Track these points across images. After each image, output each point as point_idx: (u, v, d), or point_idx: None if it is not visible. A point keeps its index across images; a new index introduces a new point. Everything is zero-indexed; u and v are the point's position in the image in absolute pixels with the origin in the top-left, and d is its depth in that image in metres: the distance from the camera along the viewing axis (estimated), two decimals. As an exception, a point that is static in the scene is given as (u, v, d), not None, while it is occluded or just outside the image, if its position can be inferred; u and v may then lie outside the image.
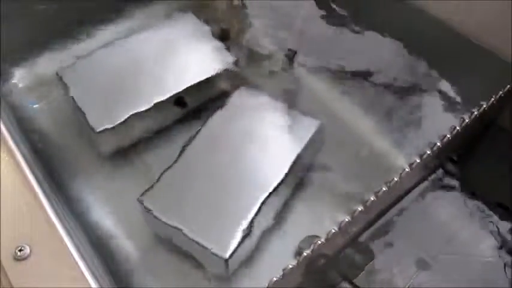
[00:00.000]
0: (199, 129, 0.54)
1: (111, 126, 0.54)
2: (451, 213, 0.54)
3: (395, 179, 0.44)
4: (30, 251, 0.38)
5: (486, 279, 0.50)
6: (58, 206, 0.45)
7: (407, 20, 0.63)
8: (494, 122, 0.56)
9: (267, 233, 0.52)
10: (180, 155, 0.52)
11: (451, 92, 0.61)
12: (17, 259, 0.38)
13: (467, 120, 0.48)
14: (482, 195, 0.55)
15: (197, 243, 0.46)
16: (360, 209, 0.43)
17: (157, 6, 0.74)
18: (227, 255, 0.45)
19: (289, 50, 0.67)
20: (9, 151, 0.45)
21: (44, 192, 0.43)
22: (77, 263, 0.38)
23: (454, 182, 0.57)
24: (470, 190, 0.56)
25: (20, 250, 0.38)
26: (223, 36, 0.66)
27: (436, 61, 0.62)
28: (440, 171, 0.57)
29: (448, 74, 0.62)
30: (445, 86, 0.62)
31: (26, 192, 0.42)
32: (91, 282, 0.38)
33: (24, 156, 0.46)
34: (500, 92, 0.50)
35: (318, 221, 0.53)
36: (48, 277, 0.37)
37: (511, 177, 0.53)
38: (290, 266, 0.39)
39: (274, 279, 0.38)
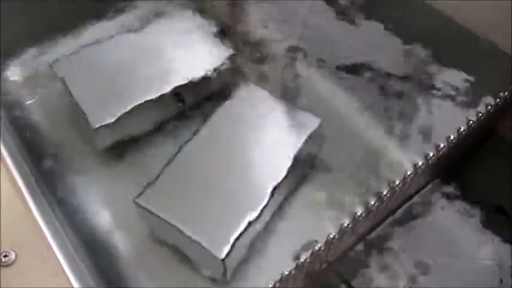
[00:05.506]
0: (199, 127, 0.53)
1: (109, 122, 0.53)
2: (451, 218, 0.54)
3: (398, 182, 0.43)
4: (16, 256, 0.38)
5: (483, 283, 0.50)
6: (47, 207, 0.44)
7: (414, 16, 0.62)
8: (495, 129, 0.56)
9: (265, 234, 0.51)
10: (178, 152, 0.51)
11: (457, 91, 0.61)
12: (2, 265, 0.38)
13: (472, 122, 0.46)
14: (482, 200, 0.54)
15: (194, 241, 0.45)
16: (360, 213, 0.41)
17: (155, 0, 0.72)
18: (223, 256, 0.44)
19: (289, 52, 0.66)
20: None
21: (32, 195, 0.42)
22: (63, 269, 0.37)
23: (455, 187, 0.56)
24: (471, 195, 0.55)
25: (5, 256, 0.38)
26: (223, 32, 0.64)
27: (443, 59, 0.62)
28: (441, 176, 0.56)
29: (455, 72, 0.61)
30: (452, 85, 0.61)
31: (13, 197, 0.41)
32: (76, 288, 0.37)
33: (12, 156, 0.45)
34: (507, 93, 0.48)
35: (317, 223, 0.52)
36: (34, 283, 0.37)
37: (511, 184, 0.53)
38: (286, 272, 0.38)
39: (271, 285, 0.37)
